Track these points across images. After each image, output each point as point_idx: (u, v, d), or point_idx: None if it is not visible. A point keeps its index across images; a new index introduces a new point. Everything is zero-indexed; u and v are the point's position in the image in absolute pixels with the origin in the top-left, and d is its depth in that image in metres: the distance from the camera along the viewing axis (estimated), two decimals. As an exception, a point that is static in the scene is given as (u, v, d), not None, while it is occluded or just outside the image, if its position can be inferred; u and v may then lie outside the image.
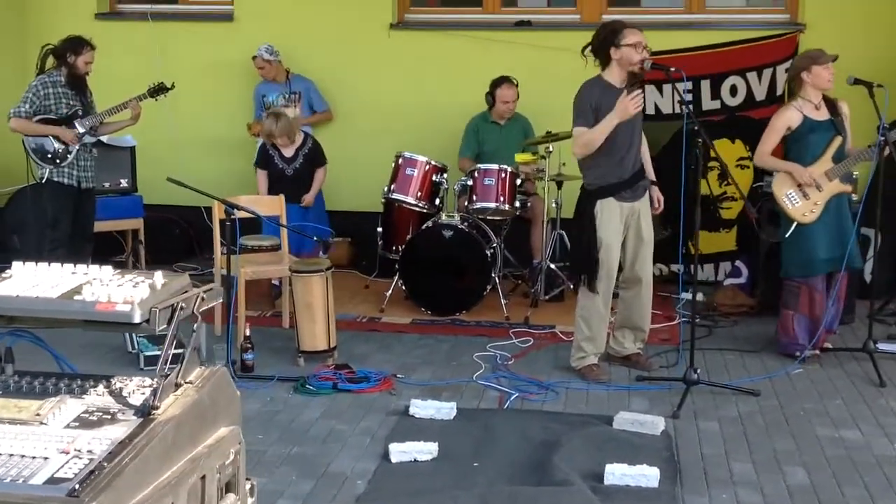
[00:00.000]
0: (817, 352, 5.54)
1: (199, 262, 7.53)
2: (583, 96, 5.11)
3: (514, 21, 7.72)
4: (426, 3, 8.14)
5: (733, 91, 7.26)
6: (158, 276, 2.12)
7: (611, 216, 5.11)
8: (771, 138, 5.60)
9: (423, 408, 4.70)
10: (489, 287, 6.35)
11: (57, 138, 6.25)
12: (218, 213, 5.66)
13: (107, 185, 7.20)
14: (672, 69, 5.03)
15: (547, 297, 6.66)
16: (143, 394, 2.03)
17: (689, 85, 7.27)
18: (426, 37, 7.73)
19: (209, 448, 2.05)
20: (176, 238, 7.78)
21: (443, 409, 4.69)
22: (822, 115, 5.52)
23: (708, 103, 7.28)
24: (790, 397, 5.02)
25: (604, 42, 5.06)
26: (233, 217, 5.23)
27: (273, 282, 6.50)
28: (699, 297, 6.72)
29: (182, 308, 2.07)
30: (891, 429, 4.60)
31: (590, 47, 5.11)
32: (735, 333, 6.15)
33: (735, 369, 5.47)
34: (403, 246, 6.44)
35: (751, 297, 6.63)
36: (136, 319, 1.94)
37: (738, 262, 6.87)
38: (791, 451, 4.34)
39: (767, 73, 7.18)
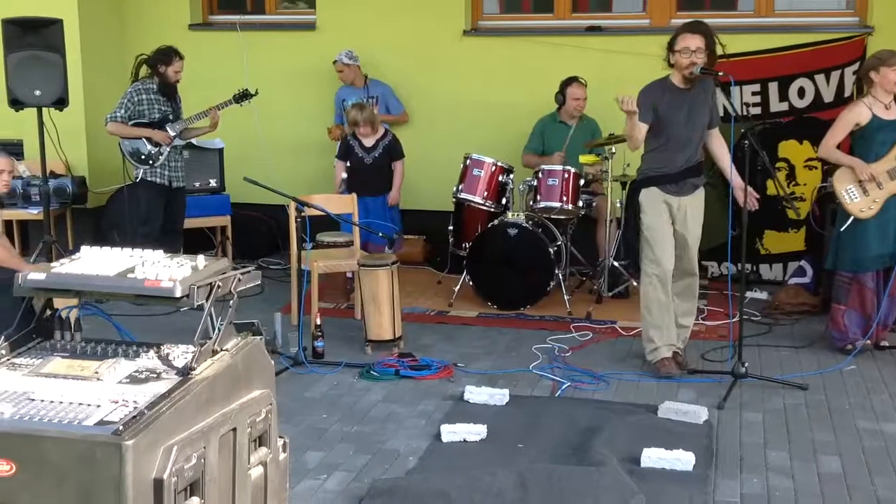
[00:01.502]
0: (868, 341, 5.61)
1: (283, 258, 7.95)
2: (643, 94, 5.29)
3: (585, 27, 7.93)
4: (499, 11, 8.42)
5: (801, 93, 7.34)
6: (201, 260, 2.46)
7: (655, 204, 5.30)
8: (838, 131, 5.70)
9: (477, 394, 4.99)
10: (553, 283, 6.59)
11: (150, 140, 6.75)
12: (293, 211, 6.04)
13: (197, 184, 7.71)
14: (720, 73, 5.20)
15: (611, 294, 6.86)
16: (186, 358, 2.37)
17: (758, 87, 7.41)
18: (498, 43, 8.01)
19: (241, 405, 2.37)
20: (262, 235, 8.21)
21: (496, 396, 4.96)
22: (892, 115, 5.60)
23: (776, 105, 7.38)
24: (838, 392, 5.14)
25: (668, 45, 5.27)
26: (303, 214, 5.60)
27: (347, 275, 6.86)
28: (763, 295, 6.94)
29: (219, 286, 2.39)
30: (932, 423, 4.70)
31: None
32: (794, 331, 6.25)
33: (789, 365, 5.59)
34: (471, 243, 6.72)
35: (814, 296, 6.71)
36: (177, 294, 2.27)
37: (802, 262, 6.95)
38: (828, 442, 4.48)
39: (835, 75, 7.24)
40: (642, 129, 5.23)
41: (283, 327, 5.86)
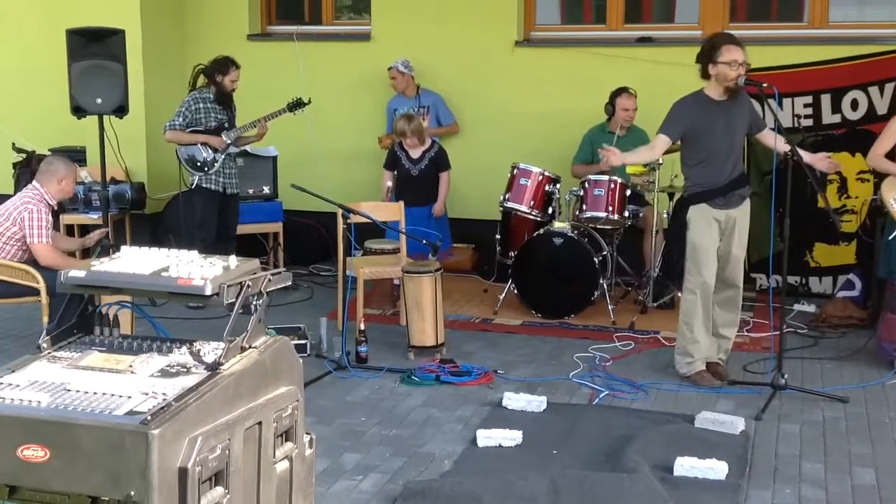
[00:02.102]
0: None
1: (333, 265, 8.07)
2: (677, 108, 5.35)
3: (636, 37, 7.96)
4: (560, 20, 8.49)
5: (854, 105, 7.28)
6: (233, 260, 2.58)
7: (704, 221, 5.31)
8: (886, 140, 5.69)
9: (515, 400, 5.05)
10: (597, 293, 6.63)
11: (205, 146, 6.94)
12: (341, 218, 6.17)
13: (250, 191, 7.89)
14: (764, 85, 5.21)
15: (656, 304, 6.88)
16: (216, 354, 2.48)
17: (810, 99, 7.37)
18: (549, 53, 8.07)
19: (267, 401, 2.48)
20: (313, 241, 8.36)
21: (533, 402, 5.02)
22: None
23: (828, 117, 7.33)
24: (879, 405, 5.11)
25: (703, 56, 5.27)
26: (349, 221, 5.72)
27: (395, 282, 6.97)
28: (811, 308, 6.90)
29: (249, 286, 2.50)
30: (974, 439, 4.65)
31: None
32: (840, 345, 6.20)
33: (831, 378, 5.56)
34: (516, 252, 6.79)
35: (863, 309, 6.66)
36: (207, 292, 2.39)
37: (851, 275, 6.89)
38: (865, 455, 4.46)
39: (889, 87, 7.16)
40: (665, 143, 5.30)
41: (328, 332, 5.98)
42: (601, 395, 5.24)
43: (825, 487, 4.12)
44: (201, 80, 7.07)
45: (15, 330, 6.46)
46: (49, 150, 8.46)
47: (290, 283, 2.75)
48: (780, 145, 5.32)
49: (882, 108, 7.19)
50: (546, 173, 6.95)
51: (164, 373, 2.39)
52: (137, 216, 8.24)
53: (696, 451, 4.33)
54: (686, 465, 4.21)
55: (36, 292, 5.46)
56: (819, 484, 4.16)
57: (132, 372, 2.38)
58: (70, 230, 7.99)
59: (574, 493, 3.94)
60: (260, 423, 2.44)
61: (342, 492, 4.07)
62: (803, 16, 7.82)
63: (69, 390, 2.27)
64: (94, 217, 7.83)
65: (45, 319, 5.38)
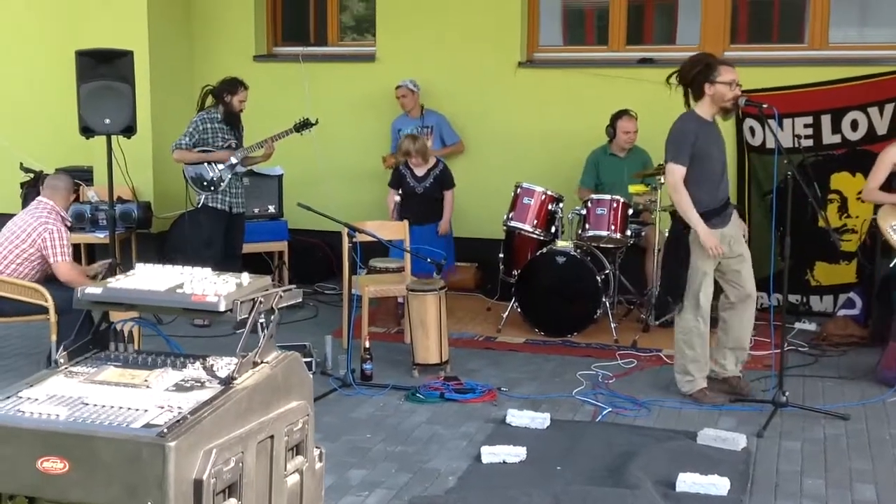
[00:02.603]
0: None
1: (338, 283, 8.13)
2: (684, 131, 5.35)
3: (638, 59, 8.06)
4: (554, 43, 8.59)
5: (854, 125, 7.37)
6: (245, 277, 2.64)
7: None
8: (878, 174, 5.77)
9: (518, 417, 5.10)
10: (600, 311, 6.69)
11: (212, 165, 7.02)
12: (347, 236, 6.23)
13: (256, 210, 7.97)
14: (764, 106, 5.29)
15: (658, 323, 6.92)
16: (229, 369, 2.54)
17: (810, 119, 7.46)
18: (552, 74, 8.16)
19: (279, 415, 2.54)
20: (318, 260, 8.43)
21: (537, 419, 5.07)
22: None
23: (829, 137, 7.42)
24: (880, 423, 5.16)
25: (697, 76, 5.33)
26: (354, 240, 5.79)
27: (399, 301, 7.03)
28: (812, 327, 6.95)
29: (261, 302, 2.57)
30: (974, 456, 4.70)
31: (677, 77, 5.40)
32: (841, 363, 6.25)
33: (832, 395, 5.61)
34: (520, 271, 6.85)
35: (864, 328, 6.71)
36: (221, 308, 2.46)
37: (852, 294, 6.94)
38: (866, 471, 4.51)
39: (889, 107, 7.24)
40: (683, 173, 5.32)
41: (333, 350, 6.04)
42: (604, 413, 5.29)
43: (826, 503, 4.17)
44: (210, 100, 7.16)
45: (24, 348, 6.53)
46: (56, 170, 8.54)
47: (300, 299, 2.81)
48: None
49: (882, 128, 7.27)
50: (549, 192, 7.03)
51: (179, 387, 2.45)
52: (143, 235, 8.31)
53: (698, 467, 4.38)
54: (688, 482, 4.25)
55: (45, 310, 5.54)
56: (820, 500, 4.21)
57: (147, 386, 2.44)
58: (76, 249, 8.06)
59: (578, 508, 3.99)
60: (272, 437, 2.49)
61: (348, 507, 4.12)
62: (804, 37, 7.90)
63: (87, 404, 2.33)
64: (100, 236, 7.90)
65: (54, 338, 5.46)
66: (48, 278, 5.73)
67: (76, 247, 8.04)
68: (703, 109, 5.34)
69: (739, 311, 5.52)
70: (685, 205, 5.30)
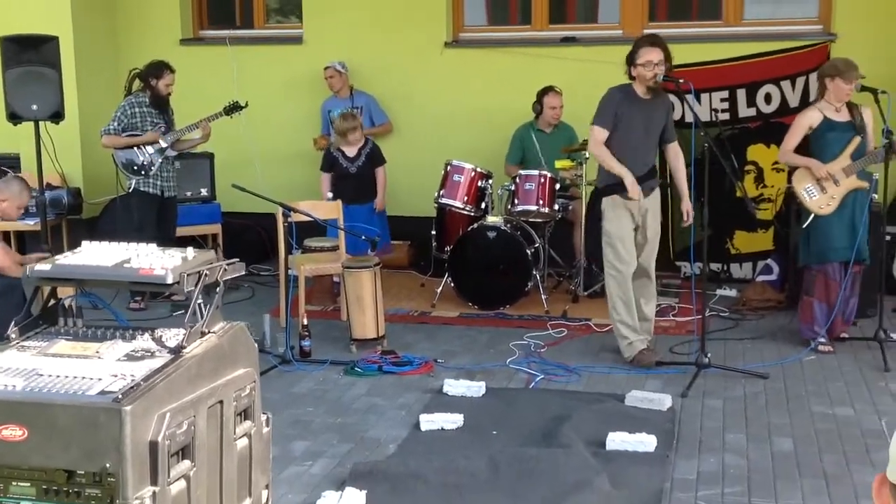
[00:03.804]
0: (831, 347, 5.90)
1: (273, 265, 8.22)
2: (608, 100, 5.65)
3: (561, 37, 8.25)
4: (479, 23, 8.74)
5: (768, 99, 7.66)
6: (190, 251, 2.74)
7: (617, 211, 5.60)
8: (793, 136, 6.02)
9: (455, 386, 5.27)
10: (531, 284, 6.89)
11: (142, 149, 7.02)
12: (281, 217, 6.32)
13: (188, 193, 7.99)
14: (681, 81, 5.53)
15: (586, 293, 7.15)
16: (178, 339, 2.64)
17: (726, 93, 7.73)
18: (478, 54, 8.32)
19: (227, 381, 2.65)
20: (252, 242, 8.48)
21: (472, 388, 5.24)
22: (842, 116, 5.92)
23: (744, 110, 7.70)
24: (797, 380, 5.44)
25: (628, 58, 5.60)
26: (289, 220, 5.89)
27: (335, 280, 7.14)
28: (732, 293, 7.24)
29: (206, 275, 2.67)
30: (883, 407, 4.99)
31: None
32: (760, 326, 6.55)
33: (751, 356, 5.89)
34: (451, 246, 7.01)
35: (780, 292, 7.01)
36: (169, 281, 2.56)
37: (769, 260, 7.25)
38: (784, 425, 4.77)
39: (801, 81, 7.55)
40: (602, 134, 5.56)
41: (271, 328, 6.13)
42: (537, 379, 5.49)
43: (746, 456, 4.41)
44: (136, 84, 7.15)
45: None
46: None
47: (243, 272, 2.93)
48: (679, 164, 5.80)
49: (794, 101, 7.57)
50: (478, 169, 7.19)
51: (130, 357, 2.55)
52: (74, 221, 8.27)
53: (626, 426, 4.59)
54: (617, 440, 4.47)
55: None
56: (741, 453, 4.45)
57: (99, 357, 2.54)
58: (6, 237, 8.00)
59: (512, 468, 4.17)
60: (221, 402, 2.61)
61: (293, 476, 4.24)
62: (721, 14, 8.16)
63: (42, 374, 2.41)
64: (31, 223, 7.84)
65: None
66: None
67: (5, 234, 7.99)
68: (637, 87, 5.59)
69: (640, 283, 5.78)
70: (607, 158, 5.59)
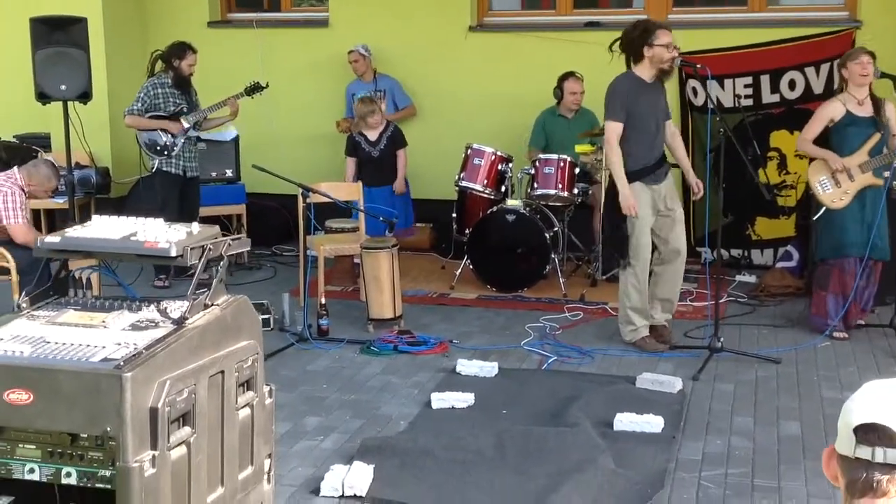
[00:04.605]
0: (846, 334, 5.89)
1: (296, 245, 8.30)
2: (616, 91, 5.63)
3: (585, 22, 8.25)
4: (506, 7, 8.76)
5: (792, 85, 7.64)
6: (195, 226, 2.83)
7: (639, 198, 5.61)
8: (813, 127, 6.00)
9: (468, 366, 5.34)
10: (549, 267, 6.93)
11: (165, 130, 7.14)
12: (301, 197, 6.40)
13: (213, 174, 8.10)
14: (699, 66, 5.53)
15: (605, 277, 7.18)
16: (181, 311, 2.73)
17: (750, 79, 7.71)
18: (501, 38, 8.35)
19: (229, 353, 2.73)
20: (276, 223, 8.57)
21: (485, 368, 5.31)
22: (865, 111, 5.89)
23: (768, 97, 7.68)
24: (809, 366, 5.45)
25: (636, 40, 5.57)
26: (308, 200, 5.97)
27: (355, 261, 7.22)
28: (752, 279, 7.24)
29: (210, 249, 2.76)
30: (894, 393, 4.98)
31: (619, 43, 5.63)
32: (777, 312, 6.55)
33: (766, 341, 5.90)
34: (471, 229, 7.06)
35: (799, 279, 7.00)
36: (173, 254, 2.64)
37: (789, 247, 7.24)
38: (792, 409, 4.80)
39: (825, 67, 7.52)
40: (618, 129, 5.55)
41: (290, 307, 6.23)
42: (550, 361, 5.54)
43: (753, 438, 4.45)
44: (159, 65, 7.26)
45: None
46: (14, 136, 8.62)
47: (248, 248, 3.01)
48: (678, 141, 5.94)
49: (818, 87, 7.54)
50: (499, 153, 7.23)
51: (135, 327, 2.64)
52: (102, 200, 8.41)
53: (635, 408, 4.64)
54: (625, 420, 4.52)
55: (5, 271, 5.67)
56: (748, 435, 4.48)
57: (105, 327, 2.63)
58: (36, 215, 8.16)
59: (519, 446, 4.24)
60: (223, 372, 2.69)
61: (304, 450, 4.33)
62: (746, 0, 8.12)
63: (48, 342, 2.51)
64: (59, 202, 7.98)
65: (16, 297, 5.59)
66: (9, 240, 5.84)
67: (36, 213, 8.15)
68: (643, 71, 5.58)
69: (669, 266, 5.79)
70: (615, 162, 5.58)
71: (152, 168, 7.24)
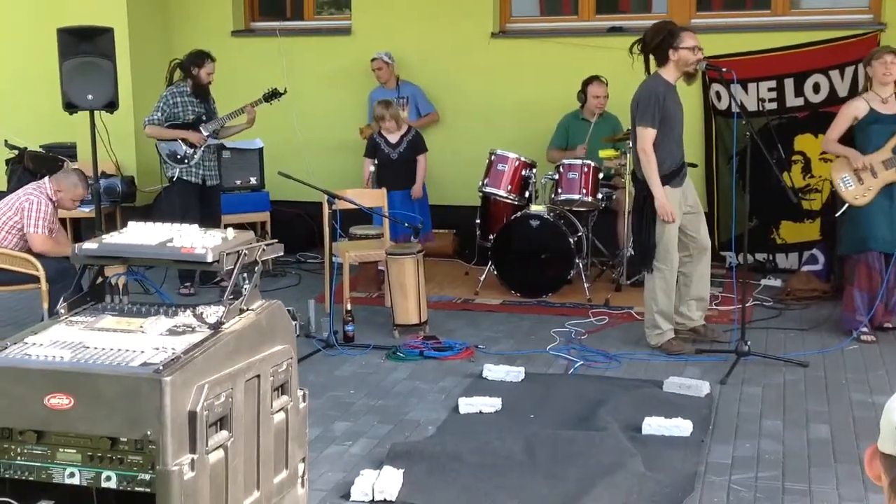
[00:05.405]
0: (873, 337, 5.87)
1: (320, 252, 8.35)
2: (654, 93, 5.58)
3: (608, 27, 8.26)
4: (529, 13, 8.78)
5: (816, 88, 7.62)
6: (230, 232, 2.86)
7: (672, 203, 5.60)
8: (838, 126, 6.01)
9: (494, 371, 5.35)
10: (573, 272, 6.93)
11: (185, 141, 7.19)
12: (326, 204, 6.44)
13: (238, 182, 8.16)
14: (724, 69, 5.54)
15: (629, 282, 7.18)
16: (217, 316, 2.76)
17: (774, 83, 7.70)
18: (524, 44, 8.37)
19: (264, 357, 2.76)
20: (300, 230, 8.61)
21: (512, 373, 5.32)
22: (890, 109, 5.89)
23: (792, 100, 7.68)
24: (837, 369, 5.43)
25: (662, 43, 5.57)
26: (333, 207, 6.00)
27: (380, 267, 7.24)
28: (777, 283, 7.22)
29: (245, 254, 2.79)
30: (924, 396, 4.96)
31: (640, 45, 5.64)
32: (804, 315, 6.53)
33: (793, 345, 5.88)
34: (495, 235, 7.08)
35: (826, 282, 6.98)
36: (209, 259, 2.67)
37: (814, 250, 7.21)
38: (822, 412, 4.78)
39: (849, 70, 7.50)
40: (653, 136, 5.55)
41: (316, 314, 6.26)
42: (576, 365, 5.54)
43: (782, 442, 4.44)
44: (178, 74, 7.31)
45: (14, 318, 6.71)
46: (40, 146, 8.70)
47: (281, 252, 3.04)
48: None
49: (842, 90, 7.52)
50: (522, 159, 7.25)
51: (172, 332, 2.67)
52: (128, 209, 8.47)
53: (663, 412, 4.64)
54: (653, 425, 4.51)
55: (34, 280, 5.73)
56: (777, 438, 4.47)
57: (143, 332, 2.66)
58: (62, 224, 8.22)
59: (548, 450, 4.24)
60: (258, 376, 2.72)
61: (333, 455, 4.35)
62: (769, 3, 8.10)
63: (88, 347, 2.54)
64: (86, 211, 8.05)
65: (46, 306, 5.65)
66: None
67: (62, 221, 8.21)
68: (668, 74, 5.58)
69: (697, 263, 5.80)
70: (651, 169, 5.54)
71: (172, 177, 7.28)
